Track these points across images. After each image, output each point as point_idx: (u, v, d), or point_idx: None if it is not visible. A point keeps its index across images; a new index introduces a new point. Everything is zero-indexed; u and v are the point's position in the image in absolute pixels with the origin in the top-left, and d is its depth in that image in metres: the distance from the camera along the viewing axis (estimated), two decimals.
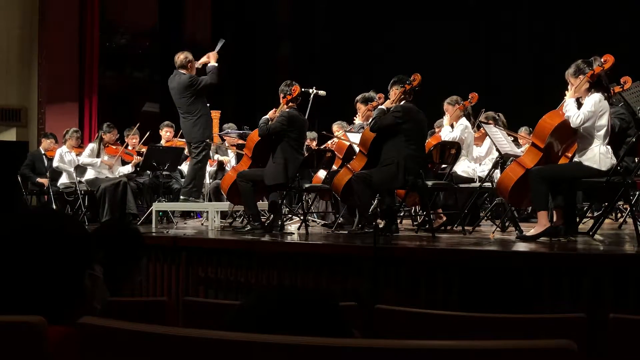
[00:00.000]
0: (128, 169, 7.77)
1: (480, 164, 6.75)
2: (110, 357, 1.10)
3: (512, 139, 6.33)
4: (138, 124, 8.30)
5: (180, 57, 6.72)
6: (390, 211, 5.55)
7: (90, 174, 7.53)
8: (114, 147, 7.73)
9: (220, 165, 8.74)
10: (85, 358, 1.11)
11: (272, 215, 6.10)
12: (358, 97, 6.70)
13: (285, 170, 5.80)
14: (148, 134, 8.23)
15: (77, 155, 7.97)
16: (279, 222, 5.96)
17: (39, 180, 8.36)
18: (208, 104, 6.92)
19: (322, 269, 4.45)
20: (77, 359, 1.15)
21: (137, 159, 7.70)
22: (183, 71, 6.67)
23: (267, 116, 6.06)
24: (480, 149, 6.93)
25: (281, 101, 6.07)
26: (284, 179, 5.80)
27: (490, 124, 6.29)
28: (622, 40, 9.88)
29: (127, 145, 8.00)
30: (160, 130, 8.52)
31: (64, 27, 10.67)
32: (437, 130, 7.14)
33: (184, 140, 7.33)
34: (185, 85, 6.58)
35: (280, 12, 14.42)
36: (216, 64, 6.67)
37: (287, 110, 5.96)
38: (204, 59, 6.77)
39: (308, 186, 6.28)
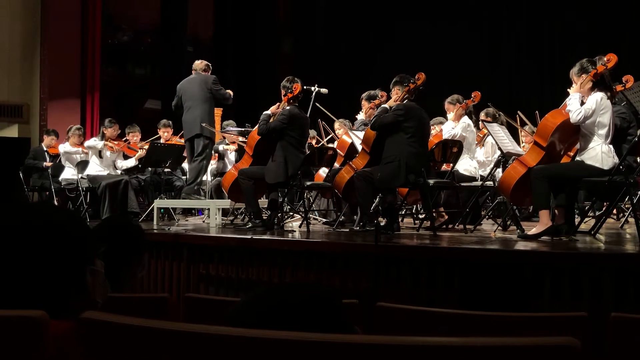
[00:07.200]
0: (132, 162, 7.76)
1: (485, 169, 6.73)
2: (111, 352, 1.10)
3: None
4: (137, 126, 8.32)
5: (202, 63, 7.16)
6: (392, 209, 5.55)
7: (91, 170, 7.52)
8: (115, 142, 7.72)
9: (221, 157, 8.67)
10: (87, 353, 1.11)
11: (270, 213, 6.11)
12: (364, 95, 6.70)
13: (285, 168, 5.79)
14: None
15: None
16: (276, 220, 5.95)
17: (46, 164, 8.35)
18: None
19: (323, 267, 4.45)
20: (78, 353, 1.15)
21: (140, 152, 7.70)
22: (204, 73, 7.08)
23: (268, 112, 6.05)
24: (485, 152, 6.93)
25: (283, 97, 6.06)
26: (284, 177, 5.80)
27: (489, 120, 6.28)
28: (625, 39, 9.87)
29: (128, 141, 8.00)
30: (158, 130, 8.51)
31: (66, 24, 10.68)
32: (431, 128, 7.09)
33: (182, 140, 7.43)
34: (211, 82, 6.94)
35: (282, 9, 14.42)
36: (231, 94, 7.09)
37: (287, 108, 5.95)
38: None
39: (310, 184, 6.28)
